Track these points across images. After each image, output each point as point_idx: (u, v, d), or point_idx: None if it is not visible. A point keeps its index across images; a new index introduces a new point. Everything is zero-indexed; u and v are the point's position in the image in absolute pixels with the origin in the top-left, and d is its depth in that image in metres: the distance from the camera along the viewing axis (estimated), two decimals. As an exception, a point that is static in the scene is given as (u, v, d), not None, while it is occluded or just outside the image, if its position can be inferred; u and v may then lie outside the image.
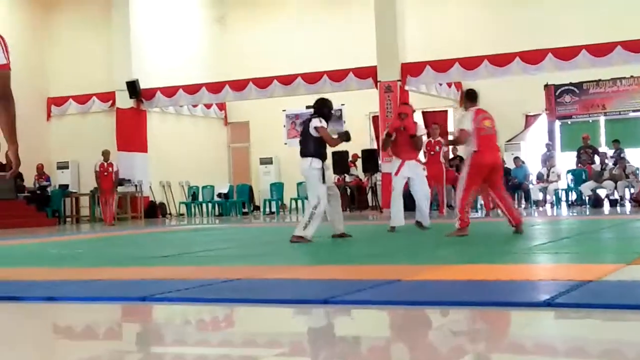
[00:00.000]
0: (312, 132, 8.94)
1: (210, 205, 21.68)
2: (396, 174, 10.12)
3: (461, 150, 16.48)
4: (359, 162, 20.10)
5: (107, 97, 21.57)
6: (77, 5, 22.65)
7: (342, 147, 19.71)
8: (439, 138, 14.67)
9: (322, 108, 9.16)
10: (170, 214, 22.03)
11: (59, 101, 22.53)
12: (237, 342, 3.59)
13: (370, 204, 19.69)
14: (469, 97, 9.23)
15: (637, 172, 17.00)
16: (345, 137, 9.28)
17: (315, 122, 8.95)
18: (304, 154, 9.02)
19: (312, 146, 8.95)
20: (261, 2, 24.22)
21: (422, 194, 10.28)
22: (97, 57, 22.10)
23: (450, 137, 17.27)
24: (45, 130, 22.55)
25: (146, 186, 20.95)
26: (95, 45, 22.23)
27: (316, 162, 8.93)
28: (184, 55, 22.78)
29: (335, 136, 9.26)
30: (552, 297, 3.99)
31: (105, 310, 4.52)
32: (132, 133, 21.05)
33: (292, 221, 16.95)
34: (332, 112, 9.59)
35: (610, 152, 18.47)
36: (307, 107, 9.40)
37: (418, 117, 21.45)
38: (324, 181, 8.95)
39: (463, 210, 8.79)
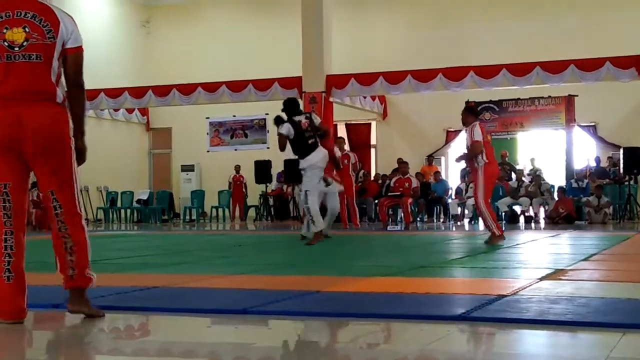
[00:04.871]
0: (318, 124, 9.73)
1: (129, 211, 21.33)
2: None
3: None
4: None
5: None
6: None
7: (264, 156, 19.90)
8: (347, 151, 15.17)
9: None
10: (87, 219, 21.57)
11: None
12: (152, 351, 3.53)
13: (291, 214, 19.70)
14: (472, 112, 9.65)
15: (552, 189, 17.46)
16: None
17: (318, 117, 9.81)
18: (319, 144, 9.74)
19: (318, 137, 9.69)
20: (187, 8, 24.06)
21: (335, 208, 10.69)
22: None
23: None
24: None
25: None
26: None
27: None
28: (106, 59, 22.41)
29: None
30: (467, 311, 4.05)
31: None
32: (50, 135, 20.51)
33: (212, 229, 16.82)
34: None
35: (527, 170, 18.96)
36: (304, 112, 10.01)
37: (342, 130, 21.67)
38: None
39: (496, 220, 9.57)
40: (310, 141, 9.57)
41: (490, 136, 9.86)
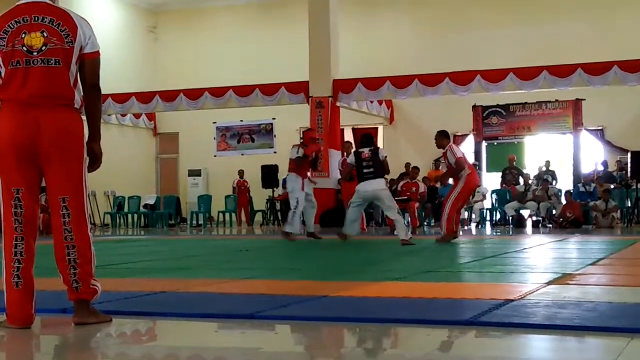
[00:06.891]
0: (382, 158, 11.00)
1: (136, 216, 21.36)
2: (302, 189, 11.96)
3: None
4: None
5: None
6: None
7: (271, 161, 19.93)
8: None
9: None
10: (94, 224, 21.63)
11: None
12: (159, 356, 3.54)
13: (298, 219, 19.69)
14: (445, 136, 11.14)
15: (559, 193, 17.43)
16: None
17: (384, 153, 11.18)
18: (378, 175, 10.90)
19: (382, 170, 10.95)
20: (194, 13, 24.11)
21: (314, 208, 12.54)
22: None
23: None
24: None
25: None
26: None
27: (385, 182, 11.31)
28: (113, 64, 22.45)
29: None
30: (475, 316, 4.04)
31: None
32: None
33: (219, 234, 16.83)
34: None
35: (533, 173, 18.95)
36: (364, 141, 11.65)
37: (349, 135, 21.67)
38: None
39: (450, 221, 10.71)
40: (365, 170, 10.90)
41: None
